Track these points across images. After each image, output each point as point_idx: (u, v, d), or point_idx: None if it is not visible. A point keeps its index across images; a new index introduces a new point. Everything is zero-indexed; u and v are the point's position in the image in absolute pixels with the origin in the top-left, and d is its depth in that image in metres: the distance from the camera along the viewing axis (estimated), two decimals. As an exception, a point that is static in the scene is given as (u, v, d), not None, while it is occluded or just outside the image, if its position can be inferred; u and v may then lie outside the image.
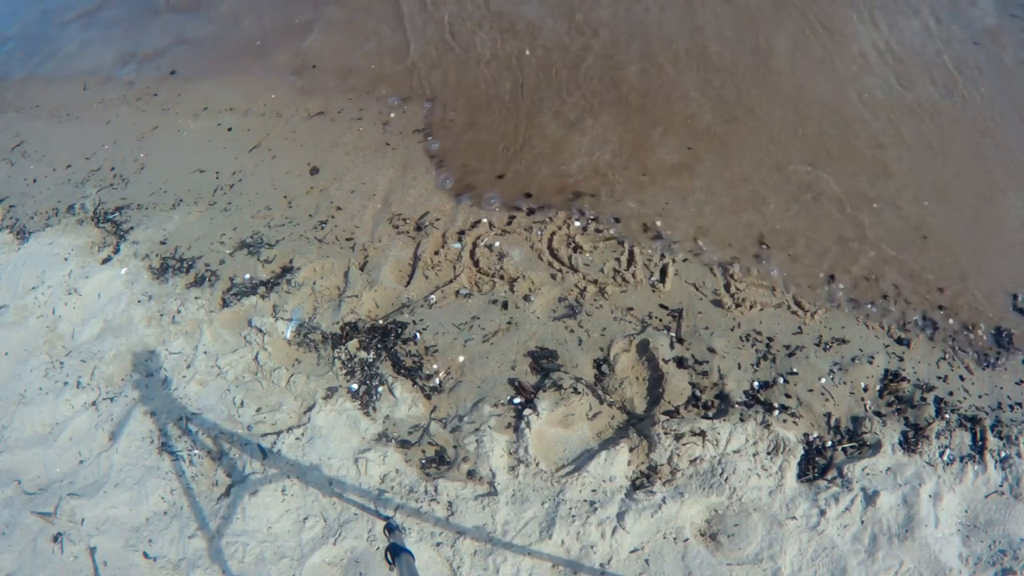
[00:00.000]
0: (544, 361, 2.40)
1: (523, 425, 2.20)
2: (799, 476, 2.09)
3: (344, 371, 2.44)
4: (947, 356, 2.40)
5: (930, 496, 2.02)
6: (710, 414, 2.23)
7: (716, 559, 1.94)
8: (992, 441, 2.15)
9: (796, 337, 2.44)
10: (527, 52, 3.68)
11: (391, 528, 1.63)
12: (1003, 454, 2.14)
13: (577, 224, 2.85)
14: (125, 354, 2.63)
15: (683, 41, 3.64)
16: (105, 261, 3.02)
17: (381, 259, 2.80)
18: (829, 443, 2.16)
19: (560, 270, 2.69)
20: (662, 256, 2.71)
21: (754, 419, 2.18)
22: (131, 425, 2.38)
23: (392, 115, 3.51)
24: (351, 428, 2.28)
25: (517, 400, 2.30)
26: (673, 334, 2.44)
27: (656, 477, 2.08)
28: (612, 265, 2.68)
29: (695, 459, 2.10)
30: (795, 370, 2.32)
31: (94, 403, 2.49)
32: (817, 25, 3.68)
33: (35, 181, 3.68)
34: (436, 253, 2.79)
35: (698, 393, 2.28)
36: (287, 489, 2.13)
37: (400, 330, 2.54)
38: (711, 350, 2.39)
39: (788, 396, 2.26)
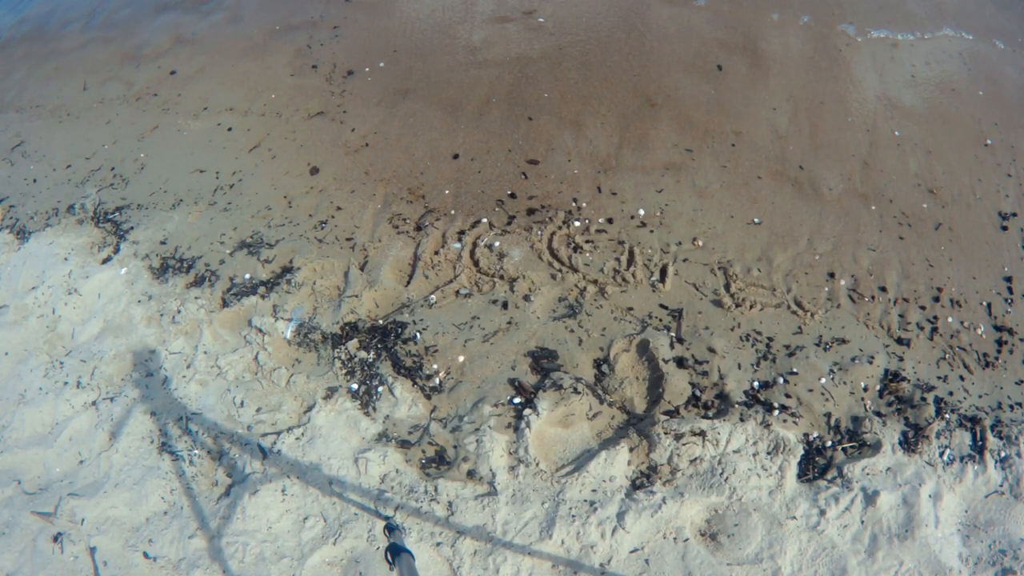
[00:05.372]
0: (544, 361, 2.40)
1: (523, 425, 2.20)
2: (799, 476, 2.09)
3: (344, 371, 2.44)
4: (947, 356, 2.40)
5: (930, 496, 2.02)
6: (710, 414, 2.23)
7: (716, 559, 1.94)
8: (992, 441, 2.15)
9: (796, 337, 2.44)
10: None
11: (391, 528, 1.63)
12: (1003, 454, 2.14)
13: (577, 224, 2.85)
14: (125, 354, 2.63)
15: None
16: (105, 261, 3.02)
17: (381, 259, 2.79)
18: (829, 443, 2.17)
19: (560, 270, 2.68)
20: (662, 256, 2.71)
21: (754, 419, 2.18)
22: (131, 425, 2.38)
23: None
24: (351, 428, 2.28)
25: (517, 400, 2.29)
26: (673, 334, 2.44)
27: (656, 477, 2.08)
28: (612, 265, 2.68)
29: (695, 459, 2.10)
30: (795, 370, 2.32)
31: (94, 403, 2.49)
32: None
33: (35, 181, 3.68)
34: (436, 253, 2.79)
35: (698, 393, 2.28)
36: (287, 489, 2.13)
37: (400, 330, 2.54)
38: (711, 350, 2.39)
39: (788, 396, 2.26)
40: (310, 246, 2.89)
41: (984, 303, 2.56)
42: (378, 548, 2.00)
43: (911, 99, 3.38)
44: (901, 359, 2.38)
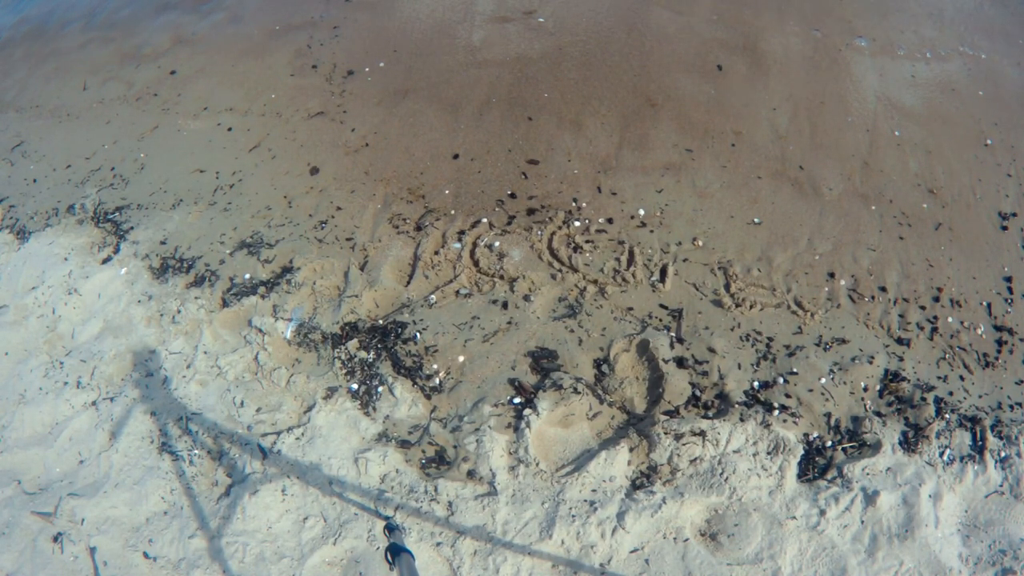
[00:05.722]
0: (544, 361, 2.40)
1: (523, 425, 2.20)
2: (799, 476, 2.09)
3: (344, 371, 2.44)
4: (947, 356, 2.40)
5: (930, 496, 2.02)
6: (710, 414, 2.23)
7: (716, 559, 1.94)
8: (992, 441, 2.15)
9: (796, 337, 2.44)
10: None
11: (391, 528, 1.63)
12: (1003, 454, 2.14)
13: (577, 224, 2.85)
14: (125, 354, 2.63)
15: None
16: (105, 261, 3.02)
17: (381, 259, 2.79)
18: (829, 443, 2.17)
19: (560, 270, 2.69)
20: (662, 256, 2.71)
21: (754, 419, 2.18)
22: (131, 425, 2.38)
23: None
24: (351, 428, 2.28)
25: (517, 400, 2.29)
26: (673, 334, 2.44)
27: (656, 477, 2.08)
28: (612, 265, 2.68)
29: (695, 459, 2.10)
30: (795, 370, 2.32)
31: (94, 403, 2.49)
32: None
33: (35, 181, 3.69)
34: (436, 253, 2.79)
35: (698, 393, 2.28)
36: (287, 489, 2.13)
37: (400, 330, 2.54)
38: (711, 350, 2.39)
39: (788, 396, 2.26)
40: (310, 246, 2.89)
41: (984, 303, 2.56)
42: (378, 548, 2.00)
43: (911, 99, 3.38)
44: (901, 359, 2.38)
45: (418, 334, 2.52)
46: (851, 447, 2.16)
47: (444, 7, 4.18)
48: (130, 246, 3.07)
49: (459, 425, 2.25)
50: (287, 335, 2.57)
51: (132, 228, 3.18)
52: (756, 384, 2.30)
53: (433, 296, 2.63)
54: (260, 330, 2.58)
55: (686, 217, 2.86)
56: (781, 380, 2.31)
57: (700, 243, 2.75)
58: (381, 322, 2.58)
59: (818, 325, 2.48)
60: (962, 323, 2.49)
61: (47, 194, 3.56)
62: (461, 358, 2.44)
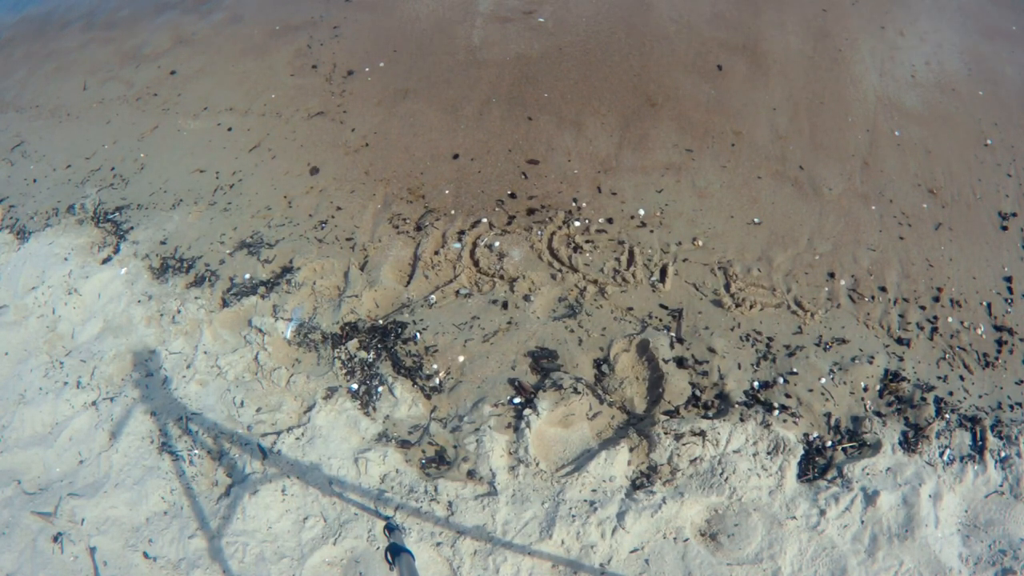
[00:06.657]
0: (544, 361, 2.40)
1: (523, 425, 2.20)
2: (799, 476, 2.09)
3: (344, 371, 2.44)
4: (947, 356, 2.40)
5: (930, 496, 2.02)
6: (710, 414, 2.23)
7: (716, 559, 1.94)
8: (992, 441, 2.15)
9: (796, 337, 2.44)
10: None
11: (391, 528, 1.63)
12: (1003, 454, 2.14)
13: (577, 224, 2.84)
14: (125, 354, 2.63)
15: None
16: (105, 261, 3.02)
17: (381, 259, 2.79)
18: (829, 443, 2.16)
19: (560, 270, 2.68)
20: (662, 256, 2.71)
21: (754, 419, 2.18)
22: (131, 425, 2.38)
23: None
24: (351, 428, 2.28)
25: (517, 400, 2.29)
26: (673, 334, 2.44)
27: (656, 477, 2.08)
28: (612, 265, 2.68)
29: (695, 459, 2.10)
30: (795, 370, 2.32)
31: (94, 403, 2.49)
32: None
33: (35, 181, 3.69)
34: (436, 253, 2.79)
35: (698, 393, 2.28)
36: (287, 489, 2.13)
37: (400, 330, 2.54)
38: (711, 350, 2.39)
39: (788, 396, 2.26)
40: (310, 246, 2.89)
41: (984, 303, 2.56)
42: (378, 548, 2.00)
43: (911, 99, 3.38)
44: (901, 359, 2.38)
45: (418, 334, 2.52)
46: (851, 447, 2.16)
47: (444, 7, 4.18)
48: (130, 246, 3.07)
49: (459, 425, 2.25)
50: (287, 335, 2.57)
51: (132, 228, 3.18)
52: (756, 384, 2.30)
53: (433, 296, 2.63)
54: (260, 330, 2.58)
55: (686, 217, 2.86)
56: (781, 380, 2.31)
57: (700, 243, 2.75)
58: (381, 322, 2.58)
59: (818, 325, 2.48)
60: (962, 323, 2.49)
61: (47, 194, 3.56)
62: (461, 358, 2.44)
